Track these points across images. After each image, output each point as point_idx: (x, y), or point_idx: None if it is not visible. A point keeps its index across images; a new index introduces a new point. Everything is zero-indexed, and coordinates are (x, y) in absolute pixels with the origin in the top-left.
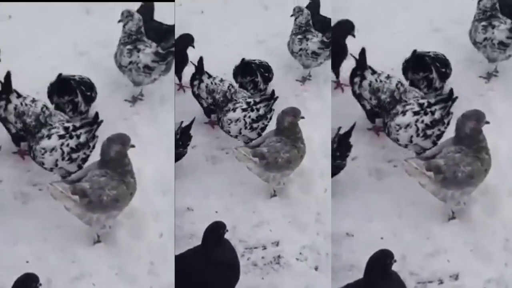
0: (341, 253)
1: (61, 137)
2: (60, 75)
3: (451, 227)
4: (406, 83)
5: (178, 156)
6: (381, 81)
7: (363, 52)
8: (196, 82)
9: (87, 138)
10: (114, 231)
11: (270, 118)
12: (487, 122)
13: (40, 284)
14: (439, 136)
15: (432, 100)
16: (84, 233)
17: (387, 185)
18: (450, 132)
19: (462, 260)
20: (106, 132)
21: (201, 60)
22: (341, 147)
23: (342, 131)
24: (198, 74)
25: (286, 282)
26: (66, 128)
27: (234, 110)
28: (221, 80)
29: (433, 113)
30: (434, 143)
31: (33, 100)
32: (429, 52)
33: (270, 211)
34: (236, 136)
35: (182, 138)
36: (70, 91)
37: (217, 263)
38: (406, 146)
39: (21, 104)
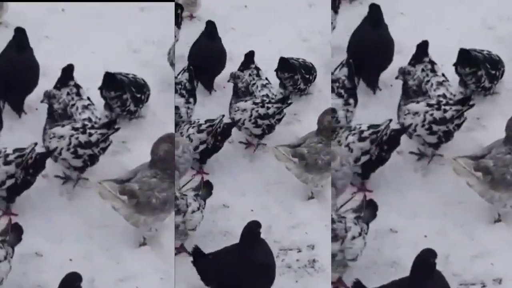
0: (383, 249)
1: (74, 129)
2: (110, 73)
3: (496, 229)
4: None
5: (215, 149)
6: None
7: (422, 44)
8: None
9: (98, 139)
10: (160, 234)
11: (279, 120)
12: None
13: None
14: (447, 135)
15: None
16: (130, 234)
17: (433, 183)
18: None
19: (507, 264)
20: (155, 131)
21: (250, 54)
22: (390, 141)
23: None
24: (242, 66)
25: (320, 287)
26: (84, 125)
27: (245, 100)
28: (265, 85)
29: (445, 111)
30: (440, 140)
31: (87, 105)
32: (483, 50)
33: (307, 213)
34: (239, 127)
35: (222, 133)
36: (118, 87)
37: (254, 263)
38: (410, 135)
39: (66, 98)
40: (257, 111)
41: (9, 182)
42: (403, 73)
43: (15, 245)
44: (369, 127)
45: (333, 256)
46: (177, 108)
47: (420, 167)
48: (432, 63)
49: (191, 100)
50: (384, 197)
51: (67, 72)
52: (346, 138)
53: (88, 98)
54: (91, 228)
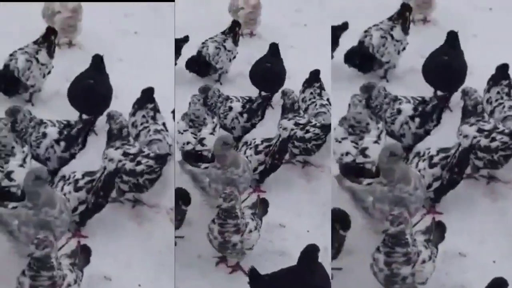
0: (452, 272)
1: (125, 154)
2: None
3: None
4: None
5: (273, 169)
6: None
7: (501, 67)
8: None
9: (142, 170)
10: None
11: (317, 146)
12: None
13: None
14: (493, 164)
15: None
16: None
17: (502, 207)
18: None
19: None
20: None
21: (315, 72)
22: (460, 163)
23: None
24: (305, 83)
25: None
26: (139, 151)
27: (289, 119)
28: (324, 105)
29: (493, 140)
30: (485, 166)
31: (159, 130)
32: None
33: None
34: None
35: (279, 151)
36: None
37: (311, 287)
38: None
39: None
40: (295, 132)
41: (81, 208)
42: (463, 93)
43: (84, 267)
44: (439, 151)
45: (404, 279)
46: (230, 109)
47: (490, 191)
48: (511, 87)
49: (245, 116)
50: (453, 220)
51: (146, 94)
52: (417, 165)
53: (163, 124)
54: (160, 253)
